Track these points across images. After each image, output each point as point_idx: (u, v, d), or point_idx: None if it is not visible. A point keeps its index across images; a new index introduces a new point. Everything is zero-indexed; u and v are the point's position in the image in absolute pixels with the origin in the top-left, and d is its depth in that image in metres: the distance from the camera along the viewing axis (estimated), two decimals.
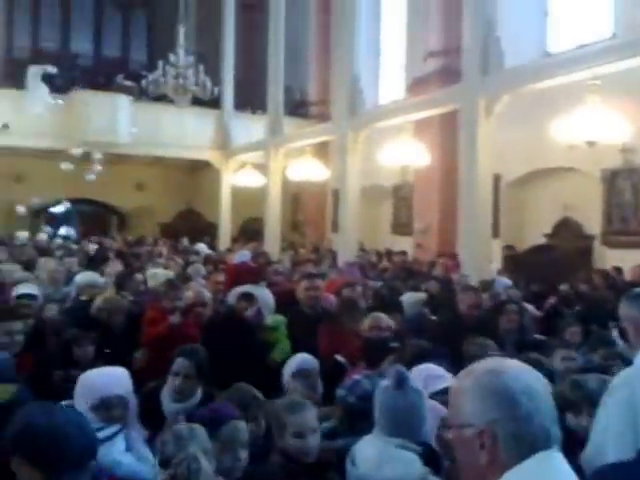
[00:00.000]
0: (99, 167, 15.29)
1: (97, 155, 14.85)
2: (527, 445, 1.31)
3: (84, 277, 5.98)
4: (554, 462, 1.32)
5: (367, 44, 13.74)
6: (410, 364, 3.01)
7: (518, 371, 1.38)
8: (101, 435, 2.51)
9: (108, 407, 2.72)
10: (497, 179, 9.27)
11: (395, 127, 10.61)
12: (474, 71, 8.40)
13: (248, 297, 5.05)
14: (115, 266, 7.68)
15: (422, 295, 6.27)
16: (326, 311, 5.09)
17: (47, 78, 15.04)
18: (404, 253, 11.53)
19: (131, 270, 7.17)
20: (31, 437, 1.76)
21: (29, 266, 7.60)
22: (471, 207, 8.38)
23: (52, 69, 14.21)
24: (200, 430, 2.31)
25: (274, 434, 2.59)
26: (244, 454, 2.45)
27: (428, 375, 2.93)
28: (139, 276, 6.53)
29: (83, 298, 5.52)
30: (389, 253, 12.18)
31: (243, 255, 9.47)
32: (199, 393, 3.27)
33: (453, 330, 4.68)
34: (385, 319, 4.40)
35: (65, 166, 12.48)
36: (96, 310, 4.78)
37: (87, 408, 2.64)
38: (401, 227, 14.15)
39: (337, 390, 2.99)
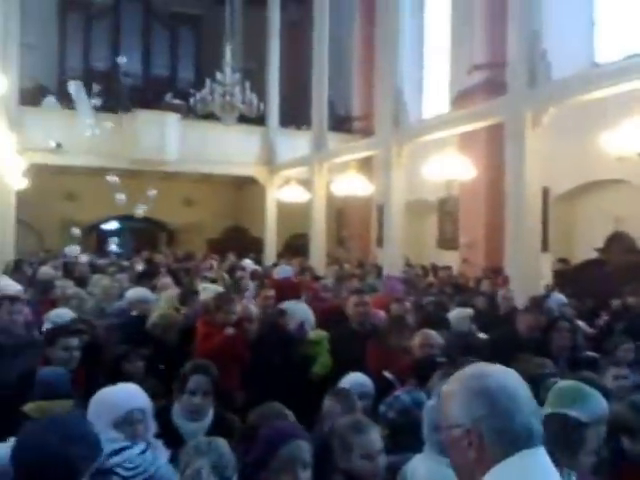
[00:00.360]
0: (154, 191, 15.79)
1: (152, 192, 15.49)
2: (510, 441, 1.41)
3: (135, 293, 6.04)
4: (537, 459, 1.42)
5: (411, 58, 13.73)
6: None
7: (500, 374, 1.50)
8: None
9: (132, 422, 2.64)
10: (546, 192, 9.11)
11: (439, 140, 10.56)
12: (520, 83, 8.31)
13: (282, 312, 5.16)
14: (165, 281, 7.82)
15: (469, 311, 6.18)
16: (374, 327, 5.07)
17: (98, 97, 15.52)
18: (449, 268, 11.42)
19: (192, 289, 7.23)
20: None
21: (82, 282, 7.81)
22: (519, 221, 8.25)
23: (96, 88, 14.67)
24: (220, 443, 2.30)
25: (336, 455, 2.49)
26: (305, 475, 2.31)
27: None
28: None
29: (134, 313, 5.59)
30: (434, 268, 12.09)
31: (285, 270, 9.62)
32: (211, 411, 3.18)
33: (505, 348, 4.59)
34: (435, 336, 4.35)
35: (112, 182, 12.81)
36: (151, 326, 4.85)
37: (109, 426, 2.57)
38: (446, 241, 14.02)
39: (379, 407, 2.97)
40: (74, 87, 12.65)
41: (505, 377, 1.49)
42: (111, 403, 2.67)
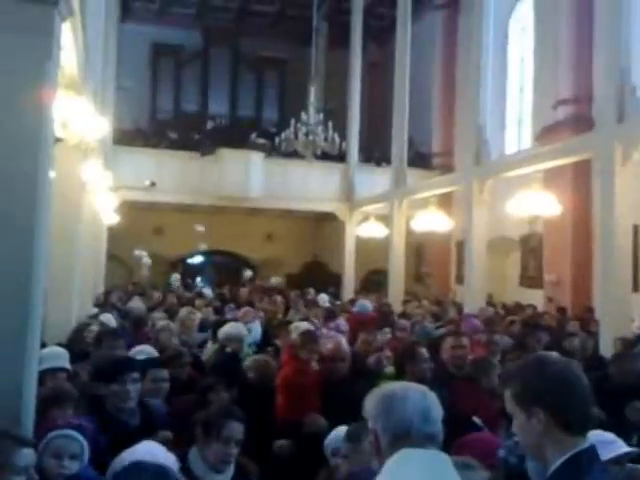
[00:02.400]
0: (202, 228, 16.63)
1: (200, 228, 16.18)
2: (394, 438, 1.72)
3: (230, 329, 5.97)
4: (415, 456, 1.69)
5: (493, 93, 13.72)
6: None
7: (401, 386, 1.91)
8: None
9: None
10: (636, 230, 8.84)
11: (522, 176, 10.44)
12: (609, 119, 8.16)
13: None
14: (247, 314, 8.01)
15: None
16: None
17: (187, 137, 16.32)
18: (534, 307, 11.15)
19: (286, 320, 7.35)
20: None
21: (172, 314, 8.13)
22: (608, 259, 8.01)
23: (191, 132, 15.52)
24: None
25: None
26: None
27: (598, 441, 2.74)
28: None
29: (228, 350, 5.55)
30: (517, 306, 11.82)
31: (363, 305, 9.67)
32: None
33: (604, 393, 4.37)
34: None
35: (199, 226, 13.47)
36: (246, 368, 4.86)
37: None
38: (530, 279, 13.70)
39: (497, 451, 2.91)
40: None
41: (406, 388, 1.89)
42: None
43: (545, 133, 12.25)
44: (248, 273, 17.98)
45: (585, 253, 10.61)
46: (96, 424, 3.10)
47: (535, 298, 12.39)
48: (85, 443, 2.64)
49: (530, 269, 13.74)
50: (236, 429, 2.85)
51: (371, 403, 1.83)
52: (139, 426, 3.46)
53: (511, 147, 15.11)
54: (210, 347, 6.10)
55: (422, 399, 1.80)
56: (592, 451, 1.81)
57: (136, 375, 3.53)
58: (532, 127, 13.79)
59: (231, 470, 2.85)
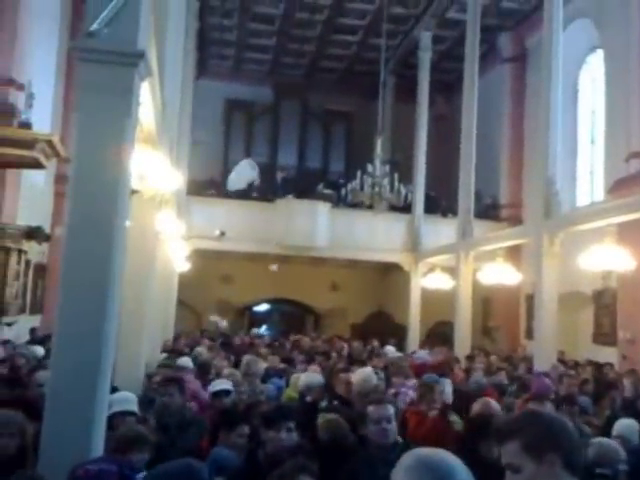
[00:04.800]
0: (275, 267, 16.93)
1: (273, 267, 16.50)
2: None
3: (311, 378, 6.01)
4: None
5: (563, 145, 13.56)
6: None
7: (430, 451, 1.74)
8: None
9: None
10: None
11: (595, 230, 10.17)
12: None
13: None
14: (314, 366, 8.00)
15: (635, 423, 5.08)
16: None
17: (257, 188, 16.79)
18: (611, 365, 10.67)
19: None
20: None
21: (237, 363, 8.23)
22: None
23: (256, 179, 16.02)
24: None
25: None
26: None
27: None
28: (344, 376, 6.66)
29: (309, 399, 5.58)
30: (590, 364, 11.33)
31: (421, 356, 9.92)
32: None
33: None
34: (620, 451, 3.95)
35: (272, 268, 13.80)
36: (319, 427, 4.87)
37: None
38: (603, 336, 13.16)
39: None
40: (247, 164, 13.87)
41: (437, 452, 1.73)
42: None
43: (618, 186, 11.95)
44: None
45: None
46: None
47: (609, 356, 11.88)
48: None
49: (604, 325, 13.21)
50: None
51: (414, 476, 1.63)
52: None
53: (583, 199, 14.78)
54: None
55: (461, 464, 1.69)
56: None
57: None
58: (604, 179, 13.48)
59: None
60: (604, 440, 4.12)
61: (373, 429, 3.81)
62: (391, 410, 3.89)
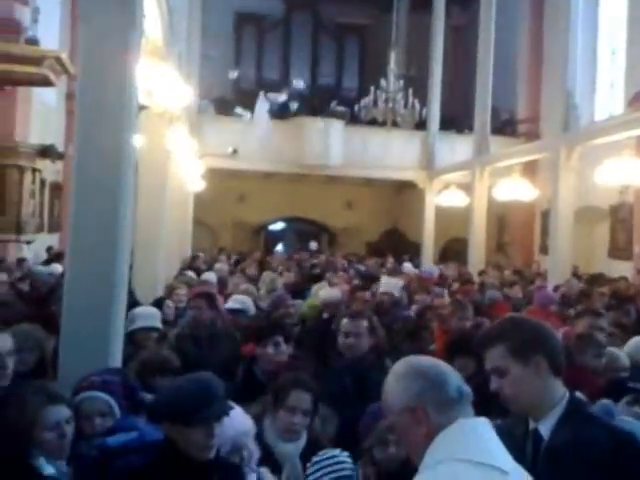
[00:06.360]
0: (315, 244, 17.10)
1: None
2: (448, 406, 1.58)
3: (329, 294, 6.01)
4: (476, 423, 1.58)
5: (582, 57, 13.08)
6: None
7: (422, 358, 1.75)
8: None
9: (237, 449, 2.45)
10: None
11: (613, 144, 9.97)
12: None
13: None
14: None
15: None
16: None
17: (270, 106, 16.52)
18: (625, 279, 10.68)
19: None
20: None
21: (253, 280, 8.39)
22: None
23: (280, 97, 15.63)
24: None
25: None
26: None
27: None
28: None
29: (325, 316, 5.59)
30: (601, 278, 11.32)
31: (429, 271, 10.15)
32: (305, 432, 2.87)
33: None
34: (623, 359, 4.07)
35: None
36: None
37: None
38: (619, 251, 13.17)
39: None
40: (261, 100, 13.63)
41: (428, 359, 1.74)
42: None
43: (638, 98, 11.61)
44: (313, 244, 18.29)
45: None
46: None
47: (624, 270, 11.90)
48: (111, 400, 2.66)
49: (619, 240, 13.19)
50: (302, 399, 2.80)
51: (405, 382, 1.63)
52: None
53: (602, 113, 14.41)
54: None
55: (453, 370, 1.70)
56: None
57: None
58: (625, 91, 13.09)
59: (303, 441, 2.81)
60: (609, 349, 4.18)
61: (341, 342, 3.85)
62: (364, 325, 3.87)
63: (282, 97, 15.21)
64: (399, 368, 1.69)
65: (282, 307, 5.99)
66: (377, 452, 2.57)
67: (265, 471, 2.54)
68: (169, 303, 5.89)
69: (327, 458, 2.32)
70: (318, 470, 2.29)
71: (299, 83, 15.82)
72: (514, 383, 1.97)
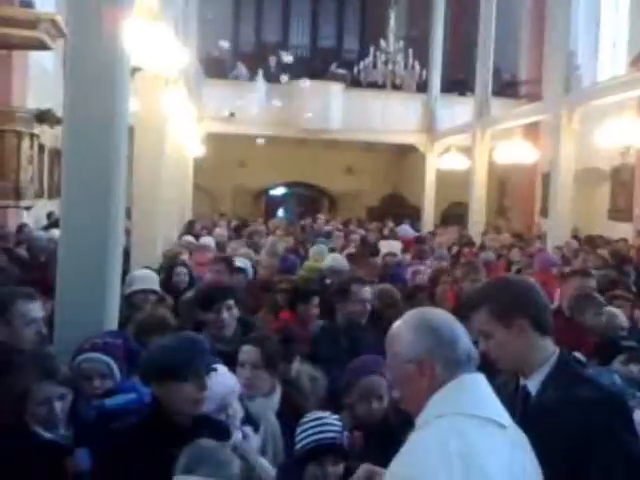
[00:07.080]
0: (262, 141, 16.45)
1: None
2: (455, 365, 1.60)
3: (335, 261, 6.00)
4: (476, 378, 1.61)
5: (585, 17, 12.85)
6: None
7: (437, 312, 1.74)
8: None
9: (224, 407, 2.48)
10: None
11: (615, 104, 9.87)
12: None
13: None
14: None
15: None
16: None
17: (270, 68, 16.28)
18: (625, 241, 10.69)
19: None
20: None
21: (253, 245, 8.39)
22: None
23: (288, 58, 15.37)
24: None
25: None
26: (379, 405, 2.62)
27: None
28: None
29: (328, 282, 5.52)
30: (602, 239, 11.33)
31: (405, 230, 10.83)
32: (277, 389, 2.88)
33: None
34: (621, 318, 4.07)
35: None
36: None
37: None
38: (619, 213, 13.15)
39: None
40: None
41: (441, 314, 1.72)
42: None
43: None
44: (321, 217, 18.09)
45: None
46: None
47: (624, 232, 11.90)
48: (111, 361, 2.68)
49: (620, 202, 13.17)
50: (249, 352, 2.82)
51: (417, 335, 1.62)
52: None
53: (604, 73, 14.22)
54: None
55: (460, 325, 1.70)
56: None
57: (231, 302, 3.48)
58: (628, 51, 12.90)
59: (275, 396, 2.84)
60: (608, 308, 4.20)
61: (358, 308, 3.94)
62: (368, 292, 4.03)
63: (289, 57, 15.02)
64: (413, 319, 1.68)
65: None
66: (359, 408, 2.63)
67: (249, 429, 2.55)
68: (178, 270, 5.53)
69: (312, 420, 2.34)
70: (302, 432, 2.32)
71: (288, 58, 15.53)
72: (499, 346, 1.99)
